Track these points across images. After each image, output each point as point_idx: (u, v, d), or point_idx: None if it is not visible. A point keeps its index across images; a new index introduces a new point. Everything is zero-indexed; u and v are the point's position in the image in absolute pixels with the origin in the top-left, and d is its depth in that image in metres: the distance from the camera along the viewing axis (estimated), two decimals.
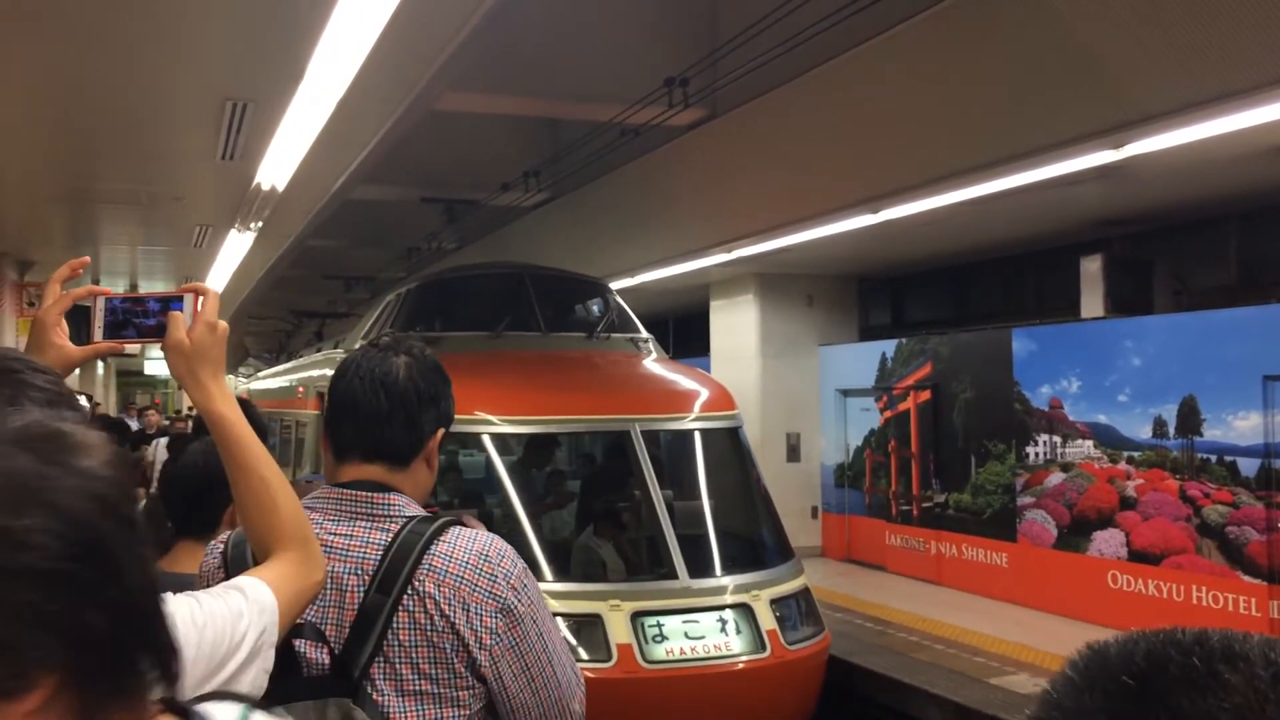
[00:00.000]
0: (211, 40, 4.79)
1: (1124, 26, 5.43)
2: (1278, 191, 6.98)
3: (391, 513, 1.94)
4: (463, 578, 1.87)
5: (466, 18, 4.52)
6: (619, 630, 5.81)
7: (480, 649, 1.87)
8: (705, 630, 5.96)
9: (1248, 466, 7.45)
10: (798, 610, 6.40)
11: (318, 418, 10.28)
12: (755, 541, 7.08)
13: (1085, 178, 6.81)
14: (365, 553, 1.89)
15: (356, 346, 9.15)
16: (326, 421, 2.06)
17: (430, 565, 1.87)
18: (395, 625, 1.84)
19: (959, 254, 10.72)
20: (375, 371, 2.01)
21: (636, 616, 5.90)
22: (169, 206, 8.37)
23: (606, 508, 7.21)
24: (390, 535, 1.90)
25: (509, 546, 1.98)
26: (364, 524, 1.93)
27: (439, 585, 1.86)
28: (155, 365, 25.23)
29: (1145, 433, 8.21)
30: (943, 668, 7.22)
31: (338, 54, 4.67)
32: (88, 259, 1.82)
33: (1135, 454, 8.29)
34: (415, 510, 1.99)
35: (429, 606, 1.85)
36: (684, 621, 5.98)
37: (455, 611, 1.86)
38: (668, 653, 5.83)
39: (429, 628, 1.85)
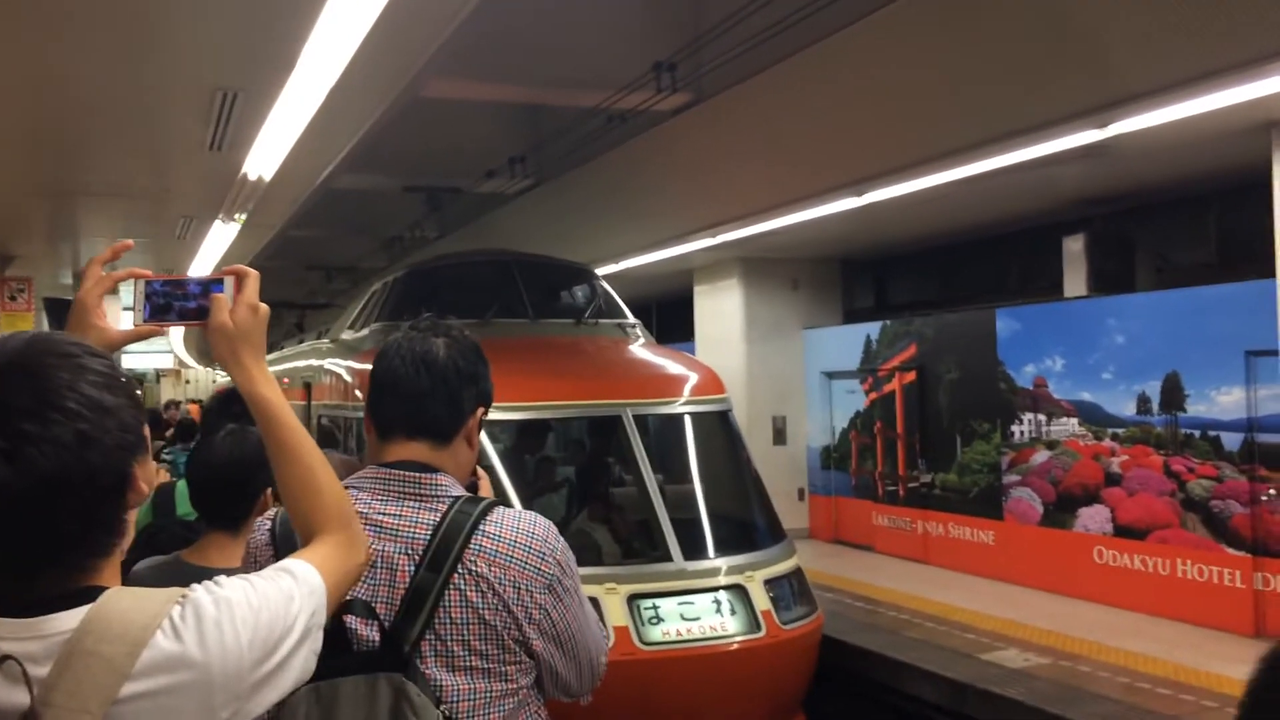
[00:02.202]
0: (204, 30, 4.76)
1: (1109, 4, 5.48)
2: (1258, 169, 7.05)
3: (438, 493, 1.99)
4: (512, 557, 1.94)
5: (459, 7, 4.52)
6: (615, 613, 5.84)
7: (530, 624, 1.94)
8: (701, 611, 6.01)
9: (1231, 441, 7.56)
10: (791, 590, 6.45)
11: (304, 408, 10.27)
12: (748, 523, 7.13)
13: (1069, 157, 6.88)
14: (415, 532, 1.94)
15: (343, 336, 9.09)
16: (369, 402, 2.11)
17: (480, 545, 1.93)
18: (446, 603, 1.89)
19: (942, 235, 10.79)
20: (416, 350, 2.07)
21: (632, 599, 5.94)
22: (155, 198, 8.32)
23: (600, 492, 7.25)
24: (438, 515, 1.95)
25: (551, 524, 2.04)
26: (412, 504, 1.97)
27: (490, 564, 1.92)
28: (133, 359, 25.05)
29: (1129, 409, 8.31)
30: (934, 644, 7.31)
31: (330, 43, 4.66)
32: (130, 243, 1.82)
33: (1120, 431, 8.39)
34: (460, 490, 2.04)
35: (481, 585, 1.90)
36: (679, 603, 6.02)
37: (506, 590, 1.92)
38: (664, 634, 5.87)
39: (481, 605, 1.90)
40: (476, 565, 1.91)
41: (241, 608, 1.34)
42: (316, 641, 1.47)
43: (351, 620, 1.88)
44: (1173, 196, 8.70)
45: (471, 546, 1.92)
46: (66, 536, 1.28)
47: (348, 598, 1.86)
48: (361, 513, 1.94)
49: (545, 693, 2.08)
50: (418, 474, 2.00)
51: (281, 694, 1.40)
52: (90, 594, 1.28)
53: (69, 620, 1.25)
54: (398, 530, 1.94)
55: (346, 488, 2.00)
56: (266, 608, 1.38)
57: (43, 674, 1.21)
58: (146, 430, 1.39)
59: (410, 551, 1.92)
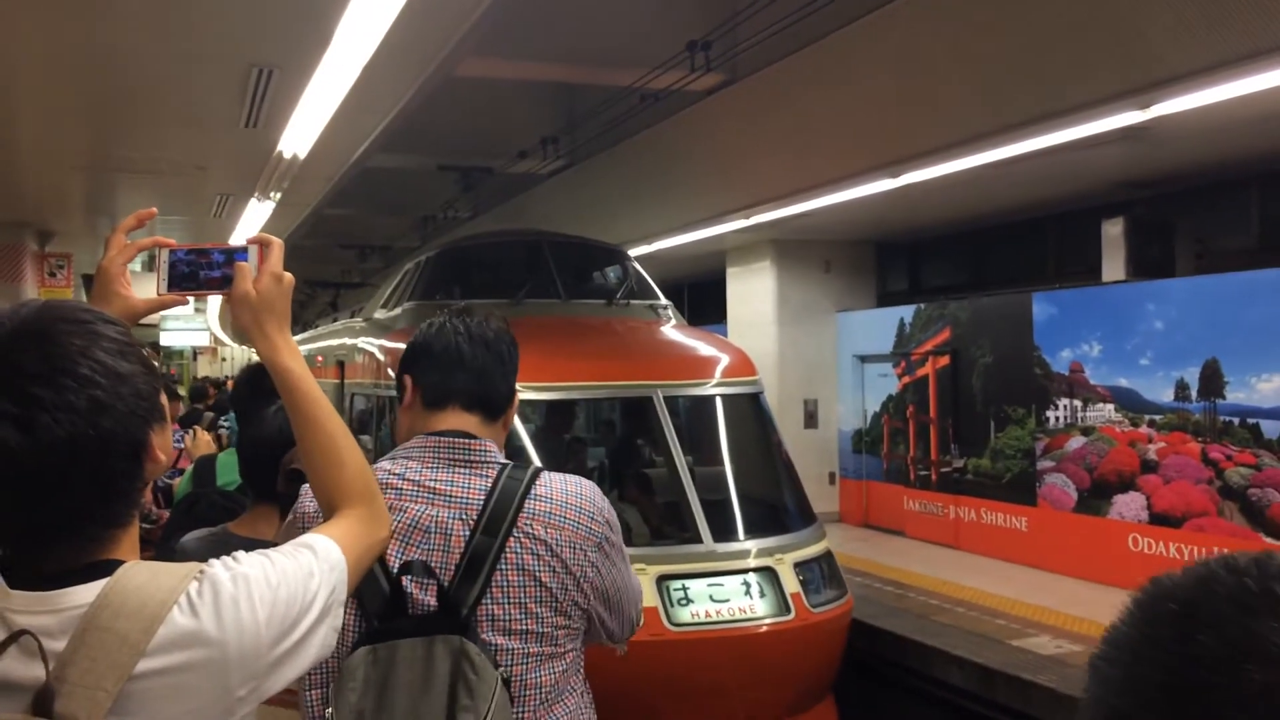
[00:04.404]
0: (240, 6, 4.78)
1: None
2: None
3: (487, 459, 2.04)
4: (566, 518, 2.00)
5: None
6: (645, 593, 5.83)
7: (585, 582, 2.01)
8: (730, 593, 6.00)
9: (1271, 429, 7.44)
10: (821, 573, 6.43)
11: (337, 386, 10.34)
12: (778, 506, 7.11)
13: (1108, 139, 6.77)
14: (468, 497, 1.98)
15: (376, 315, 9.12)
16: (418, 372, 2.14)
17: (534, 509, 1.98)
18: (503, 566, 1.94)
19: (978, 218, 10.68)
20: (473, 328, 2.13)
21: (662, 580, 5.94)
22: (190, 175, 8.37)
23: (630, 473, 7.26)
24: (489, 480, 2.00)
25: (596, 485, 2.12)
26: (463, 470, 2.02)
27: (546, 527, 1.97)
28: (170, 336, 25.21)
29: (1167, 396, 8.21)
30: (964, 630, 7.27)
31: (365, 19, 4.66)
32: (154, 210, 1.81)
33: (1157, 417, 8.29)
34: (504, 458, 2.09)
35: (539, 548, 1.96)
36: (709, 585, 6.01)
37: (564, 550, 1.97)
38: (693, 615, 5.87)
39: (537, 568, 1.95)
40: (533, 528, 1.96)
41: (259, 584, 1.32)
42: (337, 619, 1.44)
43: (408, 583, 1.91)
44: (1214, 181, 8.56)
45: (526, 510, 1.97)
46: (81, 506, 1.26)
47: (403, 560, 1.90)
48: (413, 479, 1.99)
49: (591, 638, 2.14)
50: (466, 440, 2.04)
51: (300, 672, 1.38)
52: (107, 567, 1.26)
53: (85, 594, 1.23)
54: (451, 495, 1.98)
55: (394, 457, 2.02)
56: (285, 584, 1.35)
57: (58, 648, 1.19)
58: (164, 399, 1.36)
59: (464, 516, 1.96)
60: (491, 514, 1.95)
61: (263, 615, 1.30)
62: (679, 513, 6.39)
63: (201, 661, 1.24)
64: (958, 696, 6.72)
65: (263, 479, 2.76)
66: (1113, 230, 8.88)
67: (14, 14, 4.88)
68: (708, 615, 5.88)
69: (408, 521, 1.96)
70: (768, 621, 5.91)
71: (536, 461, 6.48)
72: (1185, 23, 5.43)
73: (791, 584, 6.10)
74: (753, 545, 6.26)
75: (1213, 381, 7.86)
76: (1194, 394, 8.00)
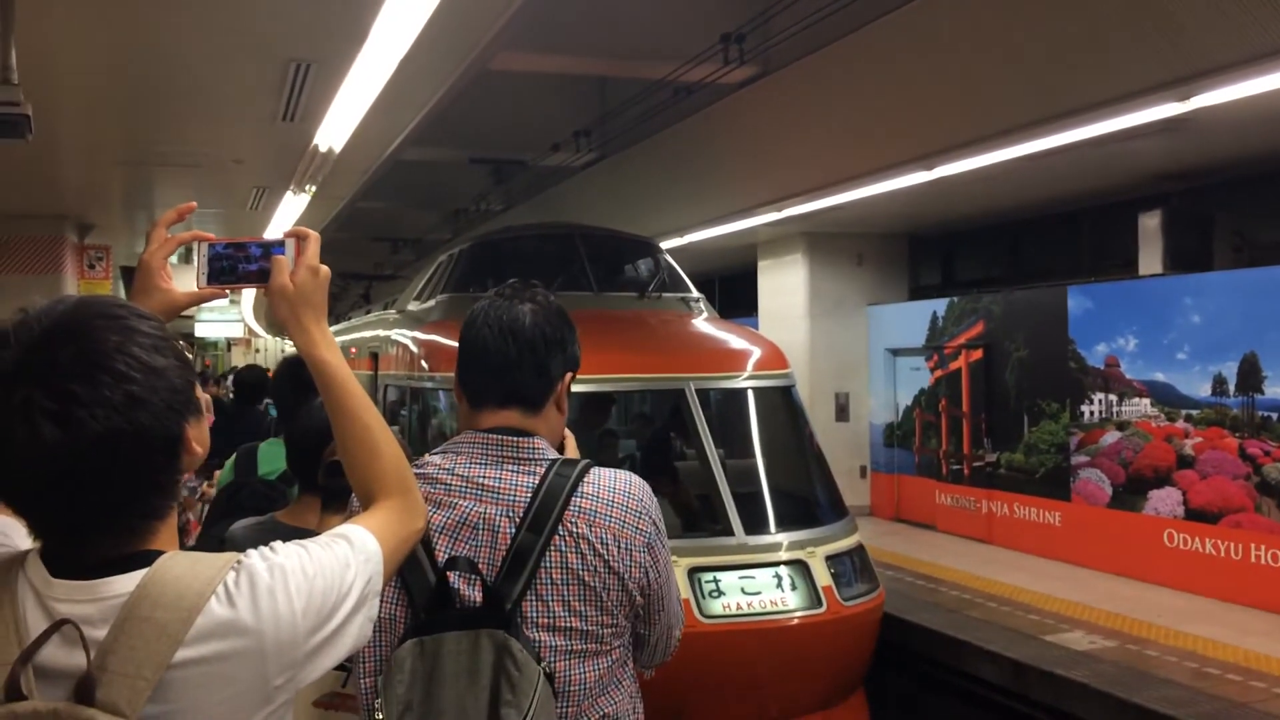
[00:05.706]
0: (278, 1, 4.82)
1: None
2: None
3: (536, 456, 2.03)
4: (612, 516, 1.98)
5: None
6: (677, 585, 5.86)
7: (633, 583, 1.98)
8: (761, 586, 6.00)
9: None
10: (852, 567, 6.41)
11: (371, 378, 10.41)
12: (809, 499, 7.10)
13: (1146, 132, 6.71)
14: (515, 495, 1.97)
15: (409, 307, 9.13)
16: (459, 371, 2.13)
17: (579, 506, 1.96)
18: (548, 563, 1.93)
19: (1013, 210, 10.60)
20: (503, 319, 2.08)
21: (693, 572, 5.95)
22: (228, 169, 8.45)
23: (662, 465, 7.26)
24: (537, 478, 1.99)
25: (645, 483, 2.08)
26: (511, 467, 2.01)
27: (591, 525, 1.96)
28: (205, 328, 25.42)
29: (1204, 390, 8.13)
30: (997, 625, 7.24)
31: (402, 14, 4.69)
32: (194, 204, 1.83)
33: (1194, 412, 8.21)
34: (554, 453, 2.07)
35: (582, 546, 1.94)
36: (740, 577, 6.02)
37: (608, 549, 1.95)
38: (725, 608, 5.87)
39: (580, 566, 1.94)
40: (577, 526, 1.95)
41: (296, 575, 1.34)
42: (373, 609, 1.46)
43: (454, 579, 1.92)
44: (1253, 173, 8.46)
45: (571, 508, 1.95)
46: (120, 499, 1.28)
47: (450, 555, 1.92)
48: (462, 474, 1.99)
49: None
50: (515, 438, 2.03)
51: (336, 661, 1.40)
52: (146, 558, 1.29)
53: (125, 584, 1.25)
54: (499, 492, 1.98)
55: (444, 451, 2.03)
56: (321, 575, 1.37)
57: (99, 637, 1.22)
58: (199, 392, 1.38)
59: (511, 514, 1.96)
60: (537, 512, 1.94)
61: (299, 605, 1.32)
62: (711, 505, 6.40)
63: (239, 651, 1.27)
64: (990, 691, 6.70)
65: (308, 470, 2.80)
66: (1150, 223, 8.80)
67: (55, 10, 4.94)
68: (739, 608, 5.88)
69: (456, 518, 1.97)
70: (799, 614, 5.91)
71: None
72: (1226, 13, 5.36)
73: (823, 577, 6.09)
74: (784, 538, 6.26)
75: (1251, 376, 7.77)
76: (1232, 388, 7.92)
